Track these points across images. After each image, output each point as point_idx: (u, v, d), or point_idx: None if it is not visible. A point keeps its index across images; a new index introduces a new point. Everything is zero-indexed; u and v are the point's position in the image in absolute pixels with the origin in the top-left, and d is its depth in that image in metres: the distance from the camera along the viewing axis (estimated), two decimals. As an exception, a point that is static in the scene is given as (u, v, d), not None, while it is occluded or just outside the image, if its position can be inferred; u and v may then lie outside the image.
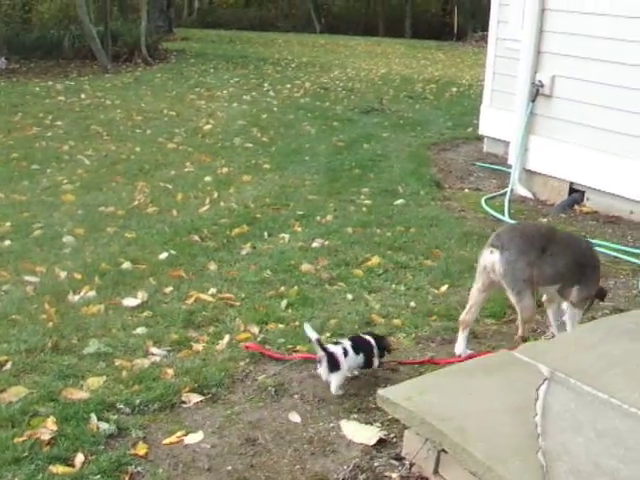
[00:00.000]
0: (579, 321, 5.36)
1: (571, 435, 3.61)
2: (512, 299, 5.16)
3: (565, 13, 9.03)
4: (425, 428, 3.74)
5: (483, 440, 3.56)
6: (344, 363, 4.74)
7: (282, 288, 6.29)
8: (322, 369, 4.77)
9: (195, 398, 4.66)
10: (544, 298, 5.62)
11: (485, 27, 12.40)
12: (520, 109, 9.60)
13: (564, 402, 3.90)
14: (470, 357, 5.05)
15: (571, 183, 9.17)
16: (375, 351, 4.92)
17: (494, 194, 9.53)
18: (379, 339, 5.00)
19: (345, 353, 4.76)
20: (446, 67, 25.83)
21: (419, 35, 42.84)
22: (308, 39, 36.55)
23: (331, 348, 4.76)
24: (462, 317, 5.32)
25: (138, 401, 4.54)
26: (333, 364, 4.72)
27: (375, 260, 6.93)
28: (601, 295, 5.52)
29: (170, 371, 4.92)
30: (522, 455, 3.43)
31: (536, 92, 9.39)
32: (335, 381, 4.74)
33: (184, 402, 4.62)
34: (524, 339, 5.17)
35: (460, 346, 5.28)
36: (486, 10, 12.23)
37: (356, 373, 4.94)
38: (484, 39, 12.53)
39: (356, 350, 4.83)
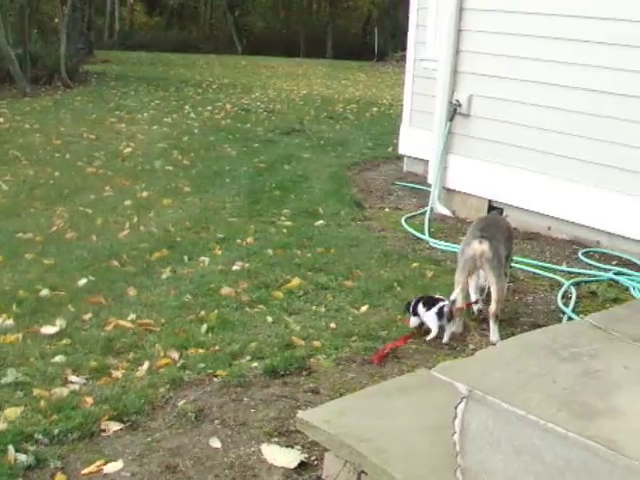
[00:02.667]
0: None
1: (489, 453, 3.65)
2: (492, 280, 5.92)
3: (480, 33, 9.14)
4: (345, 450, 3.74)
5: (402, 460, 3.58)
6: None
7: (202, 312, 6.23)
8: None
9: (114, 426, 4.58)
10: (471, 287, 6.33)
11: (405, 47, 12.47)
12: (438, 128, 9.68)
13: (482, 420, 3.94)
14: None
15: (490, 201, 9.27)
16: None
17: (414, 213, 9.58)
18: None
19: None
20: (367, 87, 26.03)
21: (340, 55, 43.22)
22: (229, 60, 36.62)
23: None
24: (458, 305, 6.01)
25: (57, 431, 4.45)
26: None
27: (295, 282, 6.92)
28: None
29: (89, 399, 4.83)
30: (440, 474, 3.45)
31: (454, 111, 9.48)
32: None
33: (103, 430, 4.54)
34: (497, 316, 5.92)
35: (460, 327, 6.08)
36: (406, 31, 12.33)
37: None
38: (404, 59, 12.59)
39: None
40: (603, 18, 7.96)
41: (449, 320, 5.86)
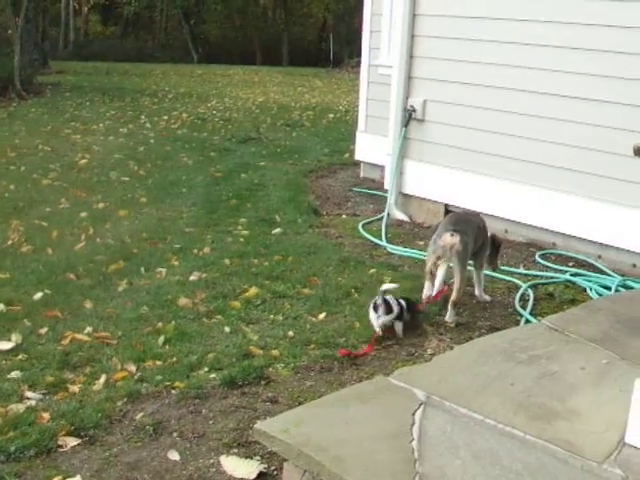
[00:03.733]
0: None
1: (448, 458, 3.65)
2: (457, 271, 6.40)
3: (433, 38, 9.18)
4: (303, 459, 3.73)
5: (360, 468, 3.57)
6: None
7: (159, 324, 6.19)
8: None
9: (72, 441, 4.54)
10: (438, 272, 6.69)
11: (360, 54, 12.51)
12: (394, 134, 9.70)
13: (440, 425, 3.94)
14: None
15: (446, 205, 9.30)
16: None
17: (371, 219, 9.59)
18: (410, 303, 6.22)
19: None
20: (323, 94, 26.07)
21: (296, 63, 43.30)
22: (185, 69, 36.54)
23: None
24: (427, 294, 6.67)
25: (13, 448, 4.40)
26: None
27: (253, 291, 6.90)
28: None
29: (46, 415, 4.79)
30: (399, 481, 3.45)
31: (409, 117, 9.50)
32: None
33: (61, 446, 4.50)
34: (455, 303, 6.38)
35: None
36: (360, 37, 12.37)
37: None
38: (359, 65, 12.62)
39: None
40: (546, 22, 8.06)
41: (387, 313, 5.98)
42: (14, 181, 11.58)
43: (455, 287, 6.40)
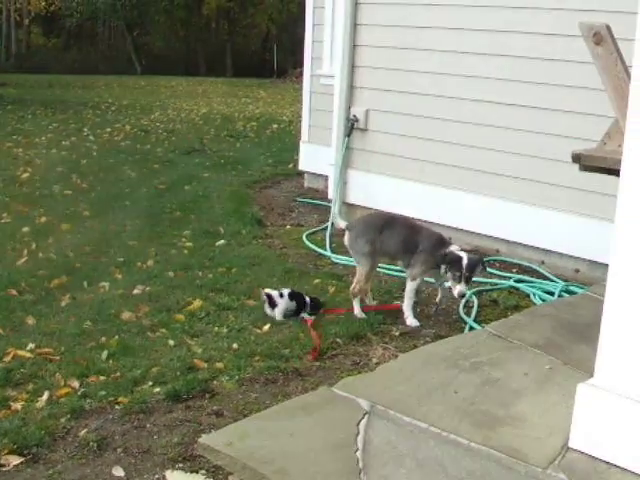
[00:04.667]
0: (411, 295, 6.74)
1: (393, 467, 3.65)
2: (356, 263, 6.99)
3: (374, 48, 9.23)
4: (247, 473, 3.71)
5: (305, 480, 3.56)
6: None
7: (103, 338, 6.13)
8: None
9: (15, 460, 4.47)
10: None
11: (303, 64, 12.55)
12: (337, 144, 9.73)
13: (385, 435, 3.95)
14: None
15: (390, 214, 9.34)
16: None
17: (315, 229, 9.61)
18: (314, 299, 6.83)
19: (281, 295, 6.66)
20: (267, 104, 26.10)
21: (240, 73, 43.31)
22: (129, 81, 36.39)
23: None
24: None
25: (-46, 469, 4.37)
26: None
27: (197, 303, 6.87)
28: None
29: (-12, 434, 4.75)
30: (344, 492, 3.44)
31: (351, 126, 9.54)
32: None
33: (3, 465, 4.43)
34: (354, 295, 6.81)
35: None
36: (304, 47, 12.39)
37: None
38: (303, 75, 12.66)
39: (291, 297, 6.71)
40: (482, 30, 8.17)
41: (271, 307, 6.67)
42: (-46, 196, 11.45)
43: (355, 279, 6.90)
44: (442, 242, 6.74)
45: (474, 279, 7.07)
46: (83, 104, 24.78)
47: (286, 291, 6.70)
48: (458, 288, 6.33)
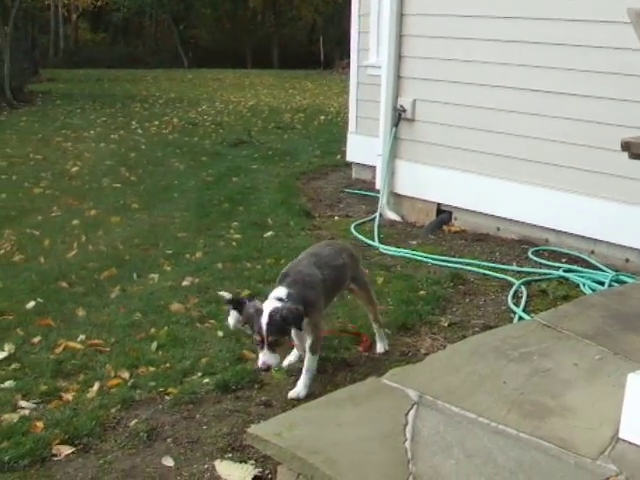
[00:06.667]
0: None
1: (441, 458, 3.64)
2: None
3: (421, 38, 9.18)
4: (296, 463, 3.72)
5: (354, 470, 3.55)
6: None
7: (152, 330, 6.18)
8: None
9: (66, 450, 4.52)
10: None
11: (350, 55, 12.54)
12: (384, 134, 9.70)
13: (433, 425, 3.93)
14: None
15: (438, 204, 9.31)
16: None
17: (363, 220, 9.59)
18: None
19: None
20: (314, 96, 26.09)
21: (287, 65, 43.27)
22: (176, 74, 36.53)
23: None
24: None
25: (7, 458, 4.39)
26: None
27: (246, 294, 6.85)
28: None
29: (40, 424, 4.77)
30: (393, 482, 3.44)
31: (398, 117, 9.50)
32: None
33: (55, 455, 4.48)
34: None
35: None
36: (350, 38, 12.38)
37: None
38: (350, 66, 12.64)
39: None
40: (538, 18, 8.04)
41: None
42: (5, 190, 11.59)
43: None
44: (279, 279, 5.20)
45: (522, 269, 7.00)
46: (131, 98, 24.95)
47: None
48: (260, 359, 4.85)
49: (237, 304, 5.15)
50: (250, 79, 33.29)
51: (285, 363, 5.41)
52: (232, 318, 5.41)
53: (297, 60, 44.26)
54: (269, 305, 4.84)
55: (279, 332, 4.81)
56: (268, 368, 4.86)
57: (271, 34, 50.84)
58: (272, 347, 4.79)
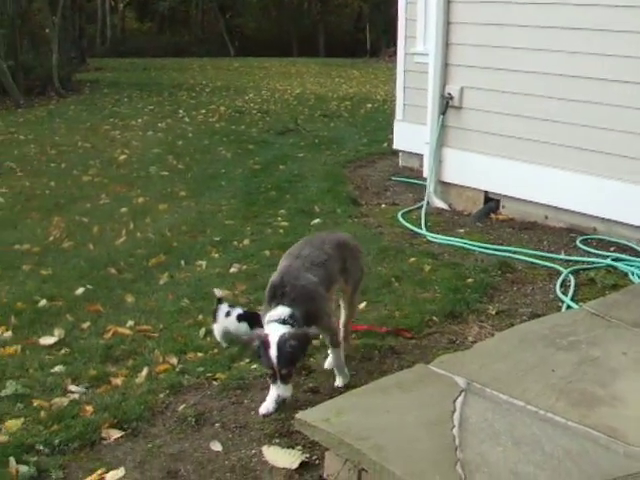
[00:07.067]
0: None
1: (489, 445, 3.64)
2: None
3: (469, 25, 9.13)
4: (344, 449, 3.73)
5: (401, 456, 3.57)
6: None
7: (200, 316, 6.23)
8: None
9: (115, 434, 4.58)
10: None
11: (397, 42, 12.48)
12: (431, 122, 9.66)
13: (481, 412, 3.93)
14: None
15: (486, 192, 9.27)
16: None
17: (410, 208, 9.56)
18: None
19: (228, 314, 5.63)
20: (360, 84, 26.02)
21: (333, 53, 43.15)
22: (222, 63, 36.58)
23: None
24: None
25: (57, 441, 4.46)
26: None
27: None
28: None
29: (89, 408, 4.84)
30: (441, 468, 3.44)
31: (446, 104, 9.46)
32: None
33: (104, 438, 4.54)
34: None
35: None
36: (396, 25, 12.34)
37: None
38: (396, 54, 12.59)
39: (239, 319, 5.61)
40: (591, 5, 7.95)
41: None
42: (55, 178, 11.71)
43: None
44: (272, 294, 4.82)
45: (570, 258, 6.96)
46: (178, 86, 25.04)
47: (237, 310, 5.75)
48: (274, 392, 4.65)
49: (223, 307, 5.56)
50: (296, 67, 33.26)
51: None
52: (217, 330, 5.69)
53: (343, 48, 44.15)
54: (275, 333, 4.49)
55: (291, 363, 4.54)
56: (283, 401, 4.63)
57: (317, 22, 50.66)
58: (285, 379, 4.54)
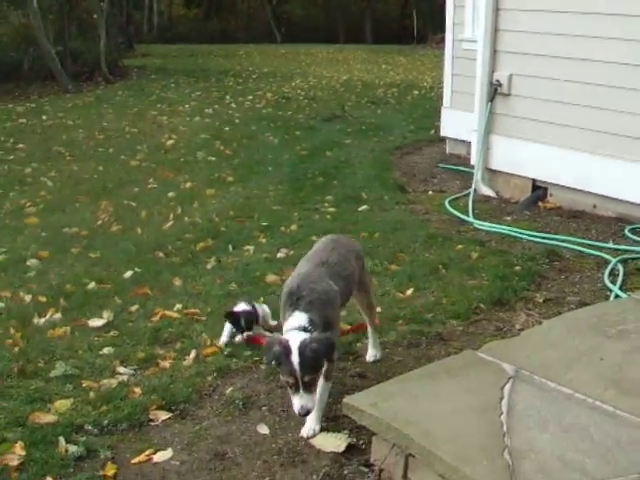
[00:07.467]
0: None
1: (537, 432, 3.62)
2: None
3: (518, 11, 9.06)
4: (392, 433, 3.74)
5: (449, 442, 3.56)
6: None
7: (248, 300, 6.25)
8: None
9: (163, 415, 4.62)
10: None
11: (444, 29, 12.42)
12: (479, 109, 9.62)
13: (529, 399, 3.92)
14: None
15: (534, 180, 9.21)
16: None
17: (458, 195, 9.54)
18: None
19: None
20: (407, 71, 25.95)
21: (380, 40, 42.98)
22: (269, 49, 36.64)
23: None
24: None
25: (106, 421, 4.51)
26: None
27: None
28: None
29: (137, 390, 4.88)
30: (488, 455, 3.43)
31: (494, 91, 9.41)
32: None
33: (152, 420, 4.59)
34: None
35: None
36: (444, 12, 12.29)
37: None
38: (444, 41, 12.54)
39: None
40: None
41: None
42: (103, 163, 11.83)
43: None
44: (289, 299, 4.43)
45: (619, 247, 6.88)
46: (224, 72, 25.12)
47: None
48: (297, 403, 4.14)
49: (234, 318, 5.45)
50: (343, 54, 33.21)
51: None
52: (226, 335, 5.58)
53: (390, 35, 43.99)
54: (295, 339, 4.12)
55: (314, 370, 4.12)
56: (307, 413, 4.17)
57: (364, 9, 50.45)
58: (308, 388, 4.11)
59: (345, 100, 18.36)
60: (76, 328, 5.91)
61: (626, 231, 7.97)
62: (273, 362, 4.18)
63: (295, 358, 4.03)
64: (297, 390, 4.09)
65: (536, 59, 8.92)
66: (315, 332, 4.19)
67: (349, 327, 5.72)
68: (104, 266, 7.33)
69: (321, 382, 4.35)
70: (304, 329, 4.18)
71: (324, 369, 4.28)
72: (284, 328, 4.29)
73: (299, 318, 4.23)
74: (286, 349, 4.06)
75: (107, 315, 6.09)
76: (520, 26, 9.04)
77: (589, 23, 8.30)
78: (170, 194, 9.81)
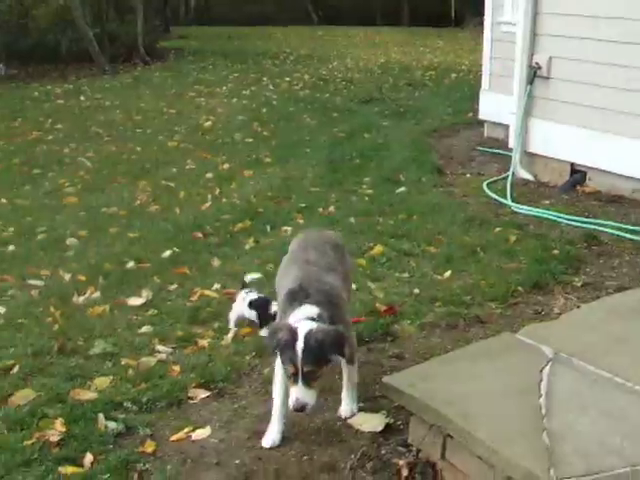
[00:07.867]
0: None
1: (576, 415, 3.62)
2: None
3: (560, -6, 9.01)
4: (430, 414, 3.75)
5: (488, 423, 3.56)
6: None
7: (286, 281, 6.27)
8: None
9: (202, 394, 4.67)
10: None
11: (483, 12, 12.34)
12: (518, 92, 9.56)
13: (568, 382, 3.91)
14: None
15: (572, 164, 9.14)
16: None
17: (496, 178, 9.48)
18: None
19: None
20: (445, 53, 25.82)
21: (417, 22, 42.76)
22: (306, 31, 36.58)
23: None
24: None
25: (145, 399, 4.57)
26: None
27: (378, 249, 6.92)
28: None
29: (176, 368, 4.93)
30: (527, 436, 3.43)
31: (534, 74, 9.34)
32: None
33: (191, 398, 4.64)
34: None
35: None
36: (483, -5, 12.23)
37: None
38: (482, 24, 12.46)
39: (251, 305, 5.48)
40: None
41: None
42: (141, 143, 11.88)
43: None
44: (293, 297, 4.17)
45: None
46: (262, 54, 25.12)
47: (251, 296, 5.61)
48: (293, 395, 3.88)
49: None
50: (380, 37, 33.08)
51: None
52: (232, 314, 5.58)
53: (427, 17, 43.73)
54: (304, 326, 3.89)
55: (317, 361, 3.86)
56: (302, 408, 3.85)
57: (402, -9, 50.34)
58: (308, 380, 3.85)
59: (382, 82, 18.32)
60: (115, 306, 5.97)
61: (666, 216, 7.91)
62: (276, 349, 3.93)
63: (300, 345, 3.80)
64: (296, 381, 3.84)
65: (577, 42, 8.84)
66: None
67: (384, 308, 5.72)
68: (142, 246, 7.37)
69: (348, 367, 4.36)
70: (313, 319, 3.95)
71: (346, 353, 4.04)
72: (290, 320, 4.01)
73: (309, 309, 4.00)
74: (293, 335, 3.83)
75: (146, 294, 6.15)
76: (561, 9, 8.97)
77: (634, 5, 8.21)
78: (208, 175, 9.85)
